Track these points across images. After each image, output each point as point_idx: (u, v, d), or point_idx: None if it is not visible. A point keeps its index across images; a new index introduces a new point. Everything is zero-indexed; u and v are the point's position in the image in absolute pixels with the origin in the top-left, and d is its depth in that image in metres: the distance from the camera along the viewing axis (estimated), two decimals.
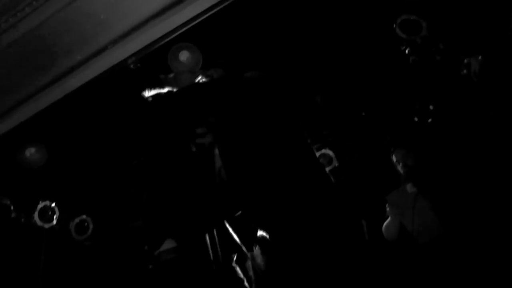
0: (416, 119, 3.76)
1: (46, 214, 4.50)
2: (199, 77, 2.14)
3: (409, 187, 3.24)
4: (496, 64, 3.40)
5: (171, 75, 2.16)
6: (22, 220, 4.52)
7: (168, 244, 4.03)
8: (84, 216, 4.56)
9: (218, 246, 3.41)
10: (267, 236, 2.76)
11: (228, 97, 1.96)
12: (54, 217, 4.51)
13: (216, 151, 1.99)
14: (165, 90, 2.14)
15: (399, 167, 3.33)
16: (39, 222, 4.45)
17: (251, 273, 3.13)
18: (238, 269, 2.27)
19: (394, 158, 3.37)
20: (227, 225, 2.28)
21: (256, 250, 2.98)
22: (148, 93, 2.09)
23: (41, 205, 4.50)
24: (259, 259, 2.90)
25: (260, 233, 3.00)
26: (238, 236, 2.28)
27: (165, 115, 2.05)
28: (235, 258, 2.32)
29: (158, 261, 3.99)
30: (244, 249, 2.18)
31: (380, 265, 1.76)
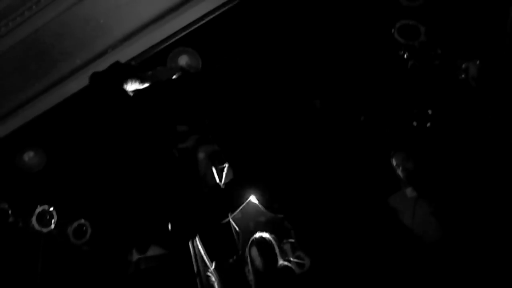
0: (415, 123, 3.76)
1: (44, 218, 4.47)
2: (177, 73, 2.14)
3: (409, 191, 3.24)
4: (494, 69, 3.42)
5: (150, 72, 2.16)
6: (20, 224, 4.50)
7: (151, 251, 3.99)
8: (82, 221, 4.53)
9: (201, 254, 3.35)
10: (266, 238, 2.73)
11: (209, 92, 1.96)
12: (52, 221, 4.48)
13: (200, 155, 1.98)
14: (145, 85, 2.14)
15: (399, 171, 3.33)
16: (37, 226, 4.42)
17: (251, 277, 3.12)
18: (213, 277, 2.26)
19: (393, 162, 3.38)
20: (198, 241, 2.27)
21: (255, 251, 2.98)
22: (128, 87, 2.08)
23: (39, 209, 4.47)
24: (258, 261, 2.90)
25: (258, 235, 2.99)
26: (207, 250, 2.27)
27: (147, 112, 2.05)
28: (214, 267, 2.30)
29: (139, 268, 3.94)
30: (208, 263, 2.17)
31: (380, 266, 1.76)
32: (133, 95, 2.14)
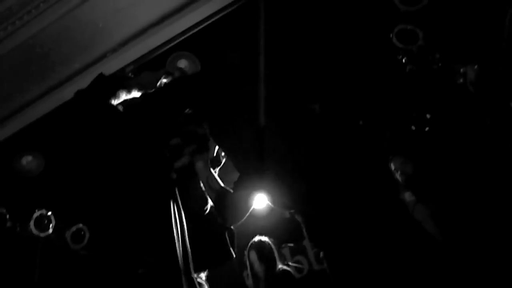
0: (413, 127, 3.77)
1: (42, 223, 4.45)
2: (162, 78, 2.13)
3: (407, 195, 3.24)
4: (492, 73, 3.43)
5: (135, 78, 2.14)
6: (18, 229, 4.48)
7: (149, 256, 3.98)
8: (80, 225, 4.52)
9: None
10: (265, 242, 2.71)
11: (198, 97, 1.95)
12: (50, 226, 4.47)
13: (198, 164, 1.98)
14: (131, 95, 2.13)
15: (397, 175, 3.33)
16: (35, 231, 4.41)
17: (249, 281, 3.11)
18: (206, 286, 2.25)
19: (392, 166, 3.38)
20: (181, 247, 2.24)
21: (254, 256, 2.98)
22: (116, 100, 2.07)
23: (37, 213, 4.46)
24: (257, 265, 2.89)
25: (257, 238, 2.98)
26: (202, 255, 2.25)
27: (139, 129, 2.03)
28: (206, 275, 2.29)
29: (137, 272, 3.92)
30: (193, 275, 2.15)
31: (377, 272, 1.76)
32: (123, 108, 2.12)
